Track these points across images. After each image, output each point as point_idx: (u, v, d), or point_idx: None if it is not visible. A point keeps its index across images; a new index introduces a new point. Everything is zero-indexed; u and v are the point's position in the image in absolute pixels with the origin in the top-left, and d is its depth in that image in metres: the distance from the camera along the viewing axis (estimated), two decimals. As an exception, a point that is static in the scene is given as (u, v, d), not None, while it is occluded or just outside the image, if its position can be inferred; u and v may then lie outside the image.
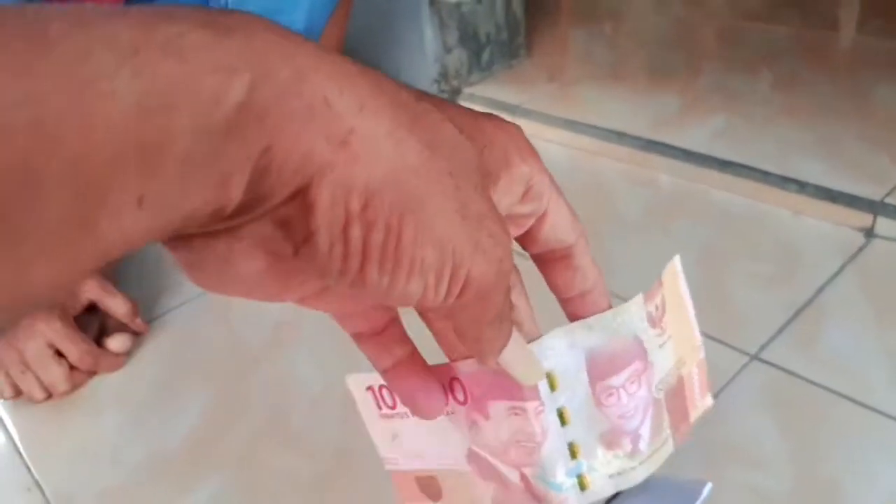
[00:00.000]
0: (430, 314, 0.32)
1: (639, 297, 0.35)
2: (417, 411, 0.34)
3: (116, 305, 0.71)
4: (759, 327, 0.64)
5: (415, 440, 0.38)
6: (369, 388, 0.39)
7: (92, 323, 0.71)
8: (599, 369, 0.35)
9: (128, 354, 0.71)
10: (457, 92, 1.11)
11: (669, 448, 0.40)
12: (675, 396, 0.40)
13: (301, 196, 0.20)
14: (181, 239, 0.22)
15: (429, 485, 0.39)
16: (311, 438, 0.60)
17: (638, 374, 0.36)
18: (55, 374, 0.67)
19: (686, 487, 0.47)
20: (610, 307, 0.35)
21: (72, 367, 0.68)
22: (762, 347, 0.62)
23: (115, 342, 0.70)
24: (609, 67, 1.13)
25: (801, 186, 0.78)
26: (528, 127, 1.00)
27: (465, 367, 0.33)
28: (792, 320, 0.65)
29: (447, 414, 0.35)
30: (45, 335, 0.66)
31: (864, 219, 0.74)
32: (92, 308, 0.72)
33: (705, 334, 0.64)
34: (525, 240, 0.32)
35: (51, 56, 0.16)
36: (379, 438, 0.40)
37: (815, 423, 0.55)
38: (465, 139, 0.25)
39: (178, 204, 0.19)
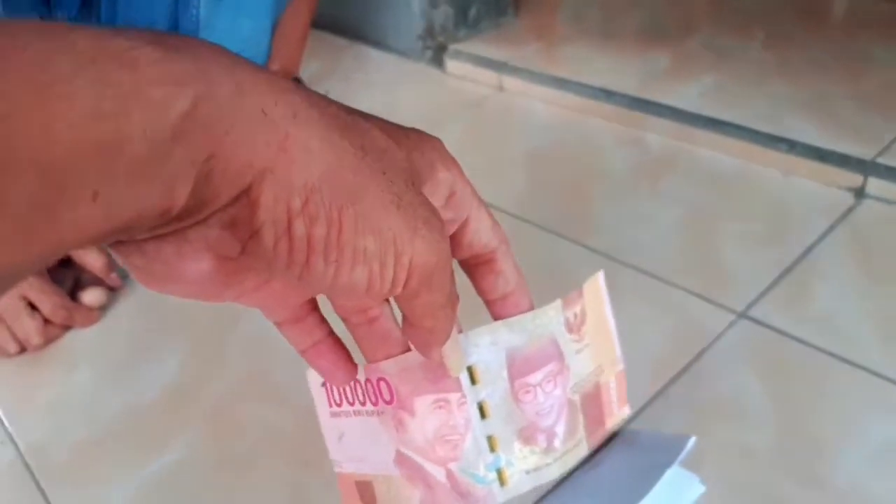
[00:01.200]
0: (353, 318, 0.34)
1: (557, 303, 0.38)
2: (332, 378, 0.35)
3: (92, 259, 0.69)
4: (747, 286, 0.64)
5: (355, 443, 0.39)
6: (323, 383, 0.39)
7: (66, 277, 0.70)
8: (518, 367, 0.37)
9: (102, 309, 0.70)
10: (442, 49, 1.08)
11: (583, 450, 0.42)
12: (592, 402, 0.42)
13: (245, 197, 0.22)
14: (133, 244, 0.24)
15: (365, 490, 0.39)
16: (291, 393, 0.59)
17: (554, 375, 0.38)
18: (28, 327, 0.65)
19: (670, 441, 0.47)
20: (531, 308, 0.37)
21: (46, 321, 0.66)
22: (749, 305, 0.62)
23: (90, 296, 0.69)
24: (598, 26, 1.11)
25: (791, 146, 0.77)
26: (516, 84, 0.99)
27: (390, 367, 0.34)
28: (780, 279, 0.64)
29: (378, 415, 0.36)
30: (18, 287, 0.64)
31: (855, 179, 0.73)
32: (66, 262, 0.70)
33: (692, 292, 0.64)
34: (450, 245, 0.34)
35: (17, 61, 0.18)
36: (328, 438, 0.41)
37: (801, 380, 0.55)
38: (394, 144, 0.27)
39: (128, 203, 0.20)
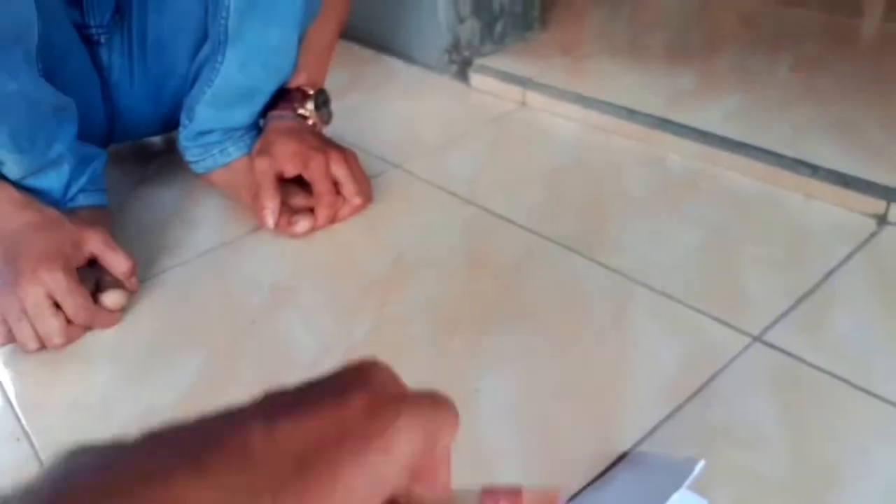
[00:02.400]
0: None
1: (480, 492, 0.25)
2: None
3: (118, 262, 0.70)
4: (764, 310, 0.63)
5: None
6: None
7: (89, 277, 0.71)
8: None
9: (122, 311, 0.71)
10: (468, 63, 1.09)
11: None
12: None
13: None
14: None
15: None
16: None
17: None
18: (51, 325, 0.66)
19: (678, 464, 0.46)
20: None
21: (68, 321, 0.67)
22: (765, 330, 0.61)
23: (111, 298, 0.70)
24: (625, 43, 1.11)
25: (814, 170, 0.76)
26: (539, 100, 0.99)
27: None
28: (797, 304, 0.64)
29: None
30: (46, 285, 0.65)
31: (878, 205, 0.72)
32: (92, 262, 0.71)
33: (708, 314, 0.63)
34: None
35: None
36: None
37: (814, 407, 0.54)
38: None
39: None
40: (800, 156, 0.78)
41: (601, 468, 0.51)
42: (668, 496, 0.44)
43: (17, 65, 0.63)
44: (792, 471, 0.50)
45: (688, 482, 0.46)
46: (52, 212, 0.71)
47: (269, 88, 0.80)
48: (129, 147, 0.99)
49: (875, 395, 0.55)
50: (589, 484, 0.50)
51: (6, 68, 0.62)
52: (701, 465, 0.45)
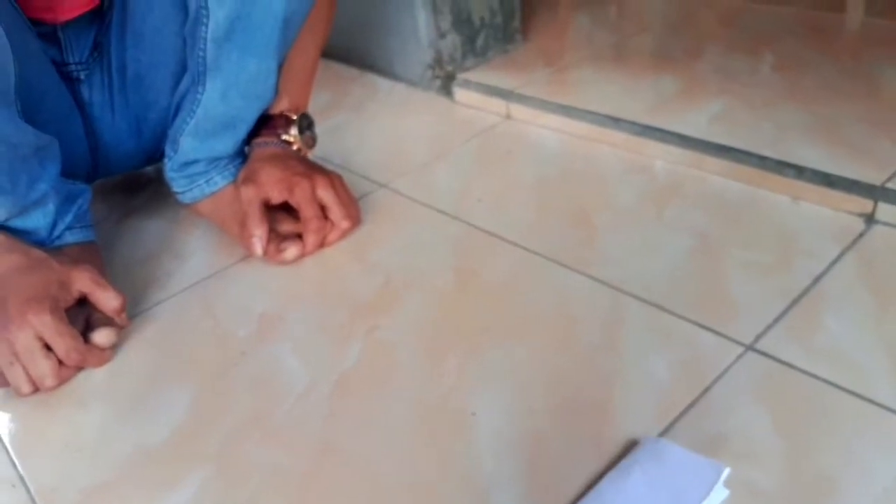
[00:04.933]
0: None
1: None
2: None
3: (107, 300, 0.70)
4: (755, 317, 0.63)
5: None
6: None
7: (79, 316, 0.70)
8: None
9: (113, 348, 0.70)
10: (451, 78, 1.09)
11: None
12: None
13: None
14: None
15: None
16: (295, 433, 0.59)
17: None
18: (43, 368, 0.66)
19: (702, 467, 0.47)
20: None
21: (60, 362, 0.67)
22: (757, 338, 0.61)
23: (102, 336, 0.69)
24: (606, 51, 1.11)
25: (800, 171, 0.76)
26: (523, 112, 0.99)
27: None
28: (788, 310, 0.63)
29: None
30: (35, 327, 0.65)
31: (865, 204, 0.72)
32: (81, 301, 0.71)
33: (699, 324, 0.63)
34: None
35: None
36: None
37: (810, 415, 0.54)
38: None
39: None
40: (785, 157, 0.78)
41: (596, 482, 0.50)
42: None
43: (-5, 108, 0.63)
44: (789, 481, 0.49)
45: (714, 489, 0.46)
46: (39, 253, 0.71)
47: (250, 117, 0.80)
48: (116, 179, 0.99)
49: (871, 400, 0.54)
50: (607, 471, 0.50)
51: (-17, 112, 0.62)
52: (727, 472, 0.46)
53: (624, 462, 0.51)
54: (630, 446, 0.53)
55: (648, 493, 0.46)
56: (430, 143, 0.99)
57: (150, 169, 1.00)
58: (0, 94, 0.64)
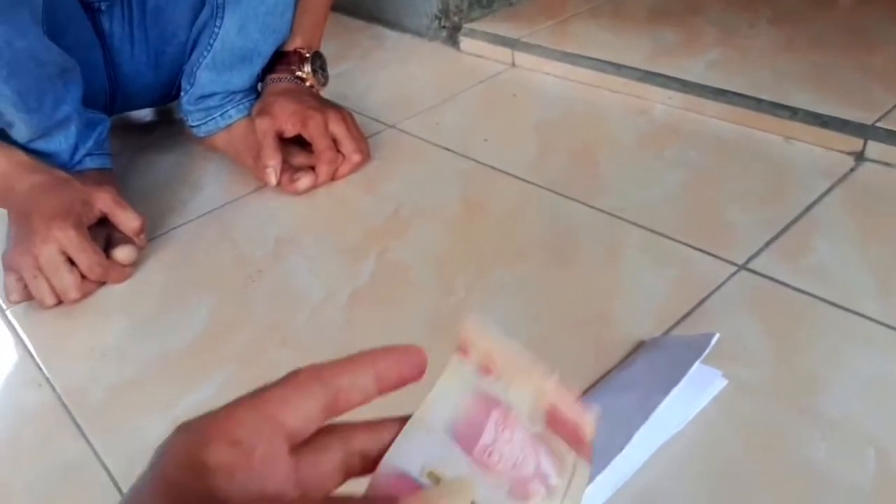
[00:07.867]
0: None
1: (454, 359, 0.35)
2: None
3: (128, 219, 0.73)
4: (748, 241, 0.66)
5: None
6: None
7: (99, 235, 0.73)
8: (465, 437, 0.34)
9: (133, 266, 0.73)
10: (457, 28, 1.12)
11: (584, 470, 0.37)
12: (557, 422, 0.38)
13: None
14: None
15: None
16: (314, 338, 0.62)
17: (502, 421, 0.35)
18: (67, 281, 0.68)
19: (694, 340, 0.50)
20: None
21: (83, 276, 0.70)
22: (750, 258, 0.64)
23: (122, 253, 0.72)
24: (608, 6, 1.13)
25: (793, 112, 0.79)
26: (528, 60, 1.02)
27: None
28: (780, 235, 0.67)
29: None
30: (59, 242, 0.68)
31: (855, 143, 0.75)
32: (102, 220, 0.73)
33: (694, 247, 0.67)
34: None
35: None
36: None
37: (797, 325, 0.57)
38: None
39: None
40: (779, 99, 0.81)
41: (598, 379, 0.54)
42: (686, 370, 0.47)
43: (25, 23, 0.66)
44: (776, 379, 0.53)
45: (705, 354, 0.49)
46: (61, 173, 0.73)
47: (266, 50, 0.83)
48: (130, 119, 1.02)
49: (854, 311, 0.58)
50: (616, 365, 0.53)
51: (14, 26, 0.64)
52: (716, 337, 0.49)
53: (630, 358, 0.55)
54: (636, 347, 0.57)
55: (649, 369, 0.50)
56: (436, 88, 1.02)
57: (162, 109, 1.02)
58: (29, 13, 0.66)
